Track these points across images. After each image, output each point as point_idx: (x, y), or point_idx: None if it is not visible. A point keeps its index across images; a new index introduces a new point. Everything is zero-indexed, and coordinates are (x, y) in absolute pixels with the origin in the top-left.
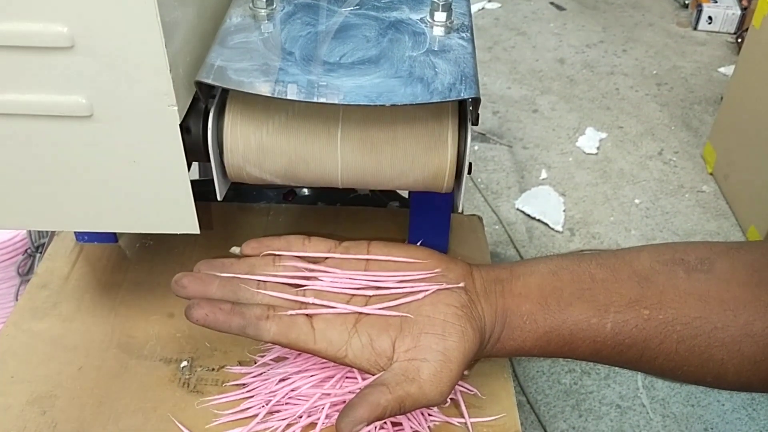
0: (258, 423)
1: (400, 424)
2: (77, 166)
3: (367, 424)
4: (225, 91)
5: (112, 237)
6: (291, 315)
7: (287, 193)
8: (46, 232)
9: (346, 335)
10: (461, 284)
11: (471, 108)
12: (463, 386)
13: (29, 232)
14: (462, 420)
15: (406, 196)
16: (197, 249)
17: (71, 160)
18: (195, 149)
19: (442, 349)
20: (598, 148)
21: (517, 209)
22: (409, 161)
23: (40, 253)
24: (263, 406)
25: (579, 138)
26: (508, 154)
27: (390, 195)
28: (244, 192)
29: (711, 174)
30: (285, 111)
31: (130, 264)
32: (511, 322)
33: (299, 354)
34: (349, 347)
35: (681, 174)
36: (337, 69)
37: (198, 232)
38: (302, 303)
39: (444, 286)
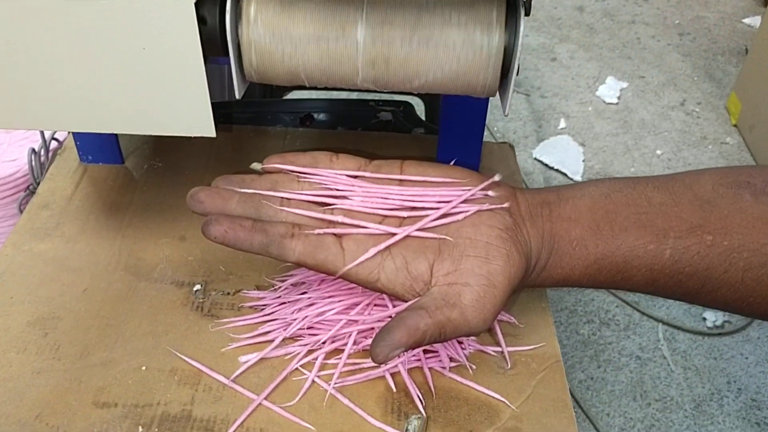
0: (277, 348)
1: (436, 351)
2: (81, 54)
3: (405, 350)
4: None
5: (119, 157)
6: (318, 234)
7: (304, 118)
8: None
9: (378, 257)
10: (506, 204)
11: None
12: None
13: (31, 167)
14: (498, 349)
15: (431, 122)
16: (209, 172)
17: (74, 47)
18: (212, 42)
19: (485, 273)
20: (618, 98)
21: (535, 159)
22: (445, 52)
23: None
24: (283, 330)
25: (599, 87)
26: (526, 103)
27: (414, 121)
28: (258, 116)
29: (735, 126)
30: None
31: (138, 185)
32: (560, 248)
33: (323, 279)
34: (382, 270)
35: (704, 125)
36: None
37: (214, 135)
38: (330, 222)
39: (487, 206)
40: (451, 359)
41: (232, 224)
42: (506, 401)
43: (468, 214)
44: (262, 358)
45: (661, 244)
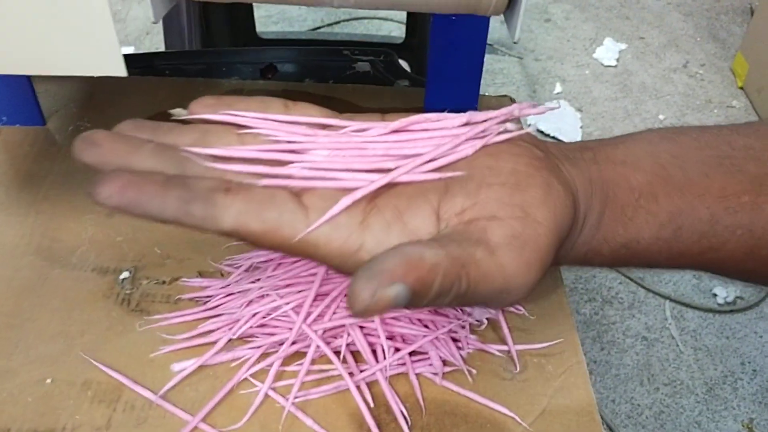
0: (221, 352)
1: (425, 353)
2: None
3: (403, 299)
4: None
5: (39, 118)
6: (266, 185)
7: (266, 69)
8: None
9: (359, 214)
10: (526, 131)
11: None
12: None
13: None
14: (504, 347)
15: (417, 73)
16: None
17: None
18: None
19: (518, 203)
20: (617, 60)
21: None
22: None
23: None
24: (230, 329)
25: (596, 49)
26: (519, 67)
27: (397, 72)
28: (211, 67)
29: (741, 88)
30: None
31: (60, 151)
32: (617, 196)
33: (280, 263)
34: (367, 231)
35: (708, 88)
36: None
37: (125, 74)
38: (283, 175)
39: (504, 133)
40: (445, 362)
41: (136, 178)
42: (516, 416)
43: (479, 147)
44: (201, 366)
45: (759, 195)
